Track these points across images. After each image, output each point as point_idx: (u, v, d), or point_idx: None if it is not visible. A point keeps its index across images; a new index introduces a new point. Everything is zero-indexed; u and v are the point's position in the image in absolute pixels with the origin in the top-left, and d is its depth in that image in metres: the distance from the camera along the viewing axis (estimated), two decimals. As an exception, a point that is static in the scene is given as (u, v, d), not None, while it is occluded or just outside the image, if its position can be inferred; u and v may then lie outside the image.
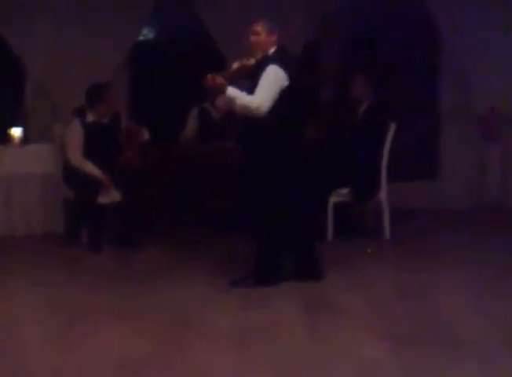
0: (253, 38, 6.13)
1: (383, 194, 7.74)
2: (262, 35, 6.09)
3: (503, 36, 8.90)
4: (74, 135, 7.59)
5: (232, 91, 5.96)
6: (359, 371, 4.46)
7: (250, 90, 6.01)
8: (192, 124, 8.50)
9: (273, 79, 5.96)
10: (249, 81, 6.11)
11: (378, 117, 7.73)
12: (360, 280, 6.39)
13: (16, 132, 8.32)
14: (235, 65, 6.14)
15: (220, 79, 5.95)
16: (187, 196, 8.41)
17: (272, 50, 6.13)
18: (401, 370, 4.45)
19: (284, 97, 6.00)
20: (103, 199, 7.51)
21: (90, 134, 7.55)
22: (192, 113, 8.50)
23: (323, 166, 7.83)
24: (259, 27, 6.10)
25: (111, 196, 7.53)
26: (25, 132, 8.45)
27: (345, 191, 7.65)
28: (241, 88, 6.01)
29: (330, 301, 5.87)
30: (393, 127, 7.64)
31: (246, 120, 6.11)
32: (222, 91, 5.98)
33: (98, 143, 7.53)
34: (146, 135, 7.81)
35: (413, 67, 9.81)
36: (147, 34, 10.53)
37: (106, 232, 7.64)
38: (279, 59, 6.04)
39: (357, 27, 9.35)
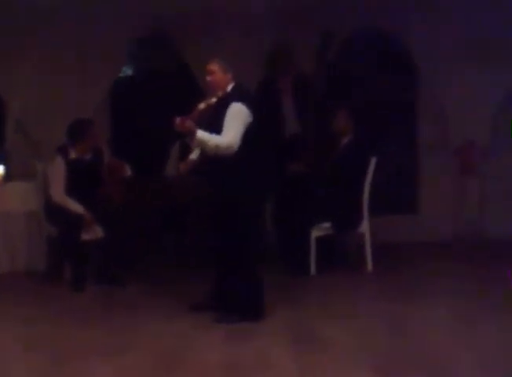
0: (209, 78, 6.24)
1: (365, 227, 7.81)
2: (218, 74, 6.21)
3: (480, 72, 9.04)
4: (57, 172, 7.60)
5: (201, 134, 6.02)
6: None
7: (211, 127, 6.09)
8: (173, 161, 8.51)
9: (238, 117, 6.06)
10: (210, 119, 6.20)
11: (359, 151, 7.82)
12: (344, 313, 6.42)
13: (-2, 169, 8.34)
14: (202, 106, 6.17)
15: (189, 123, 6.01)
16: (168, 229, 8.47)
17: (230, 86, 6.23)
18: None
19: (249, 133, 6.08)
20: (86, 236, 7.51)
21: (73, 171, 7.58)
22: (174, 149, 8.49)
23: (305, 199, 7.90)
24: (214, 67, 6.22)
25: (93, 233, 7.55)
26: (6, 170, 8.45)
27: (326, 225, 7.70)
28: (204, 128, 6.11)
29: (314, 333, 5.88)
30: (373, 161, 7.74)
31: (214, 157, 6.13)
32: (192, 134, 6.03)
33: (81, 179, 7.55)
34: (128, 171, 7.84)
35: (391, 101, 9.92)
36: (126, 70, 10.57)
37: (88, 268, 7.63)
38: (240, 95, 6.15)
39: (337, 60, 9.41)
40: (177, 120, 6.00)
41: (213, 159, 6.16)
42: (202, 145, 6.11)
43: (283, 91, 8.34)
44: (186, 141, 7.87)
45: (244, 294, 6.23)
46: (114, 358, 5.35)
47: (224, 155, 6.03)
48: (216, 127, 6.07)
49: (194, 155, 6.51)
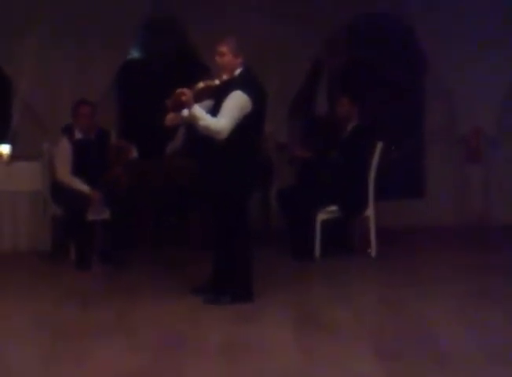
0: (218, 59, 6.08)
1: (370, 211, 7.81)
2: (227, 56, 6.04)
3: (487, 59, 9.03)
4: (63, 152, 7.64)
5: (197, 110, 5.92)
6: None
7: (211, 111, 6.02)
8: (180, 135, 8.48)
9: (237, 105, 5.94)
10: (211, 100, 6.12)
11: (365, 136, 7.82)
12: (347, 297, 6.43)
13: (5, 149, 8.34)
14: (201, 85, 6.02)
15: (189, 96, 5.88)
16: (173, 210, 8.49)
17: (237, 71, 6.09)
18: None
19: (246, 122, 5.99)
20: (91, 216, 7.54)
21: (79, 151, 7.61)
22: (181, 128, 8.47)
23: (311, 183, 7.91)
24: (224, 48, 6.04)
25: (99, 213, 7.56)
26: (13, 149, 8.47)
27: (333, 208, 7.71)
28: (201, 107, 6.00)
29: (317, 316, 5.91)
30: (379, 146, 7.74)
31: (206, 139, 6.05)
32: (188, 107, 5.90)
33: (86, 160, 7.60)
34: (135, 152, 7.84)
35: (399, 88, 9.90)
36: (133, 53, 10.55)
37: (93, 249, 7.65)
38: (245, 83, 6.01)
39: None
40: (178, 90, 5.87)
41: (204, 143, 6.07)
42: (194, 122, 5.97)
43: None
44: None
45: (234, 278, 6.22)
46: (116, 338, 5.35)
47: (214, 140, 5.94)
48: (217, 111, 5.99)
49: (186, 113, 6.10)
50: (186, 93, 5.89)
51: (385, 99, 9.79)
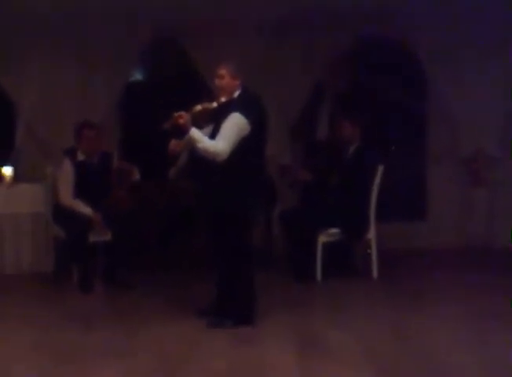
0: (217, 82, 6.18)
1: (372, 234, 7.81)
2: (226, 79, 6.13)
3: (490, 82, 9.05)
4: (65, 175, 7.66)
5: (195, 132, 5.98)
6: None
7: (211, 134, 6.08)
8: (183, 156, 8.50)
9: (235, 128, 5.98)
10: (209, 124, 6.20)
11: (366, 158, 7.83)
12: (348, 319, 6.43)
13: (7, 171, 8.36)
14: (198, 108, 6.11)
15: (186, 119, 5.96)
16: (176, 233, 8.48)
17: (236, 93, 6.16)
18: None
19: (245, 144, 6.03)
20: (94, 238, 7.54)
21: (81, 173, 7.63)
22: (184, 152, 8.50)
23: (313, 206, 7.91)
24: (223, 71, 6.14)
25: (101, 235, 7.57)
26: (15, 171, 8.49)
27: (334, 230, 7.71)
28: (203, 133, 6.07)
29: (318, 338, 5.91)
30: (381, 169, 7.74)
31: (207, 161, 6.08)
32: (186, 131, 5.98)
33: (89, 182, 7.61)
34: (137, 174, 7.85)
35: (401, 110, 9.93)
36: (136, 75, 10.60)
37: (95, 270, 7.65)
38: (243, 105, 6.06)
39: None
40: (176, 114, 5.95)
41: (205, 164, 6.11)
42: (193, 144, 6.04)
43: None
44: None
45: (237, 300, 6.23)
46: (117, 361, 5.37)
47: (214, 162, 5.99)
48: (217, 133, 6.04)
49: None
50: (183, 116, 5.97)
51: (388, 121, 9.81)
